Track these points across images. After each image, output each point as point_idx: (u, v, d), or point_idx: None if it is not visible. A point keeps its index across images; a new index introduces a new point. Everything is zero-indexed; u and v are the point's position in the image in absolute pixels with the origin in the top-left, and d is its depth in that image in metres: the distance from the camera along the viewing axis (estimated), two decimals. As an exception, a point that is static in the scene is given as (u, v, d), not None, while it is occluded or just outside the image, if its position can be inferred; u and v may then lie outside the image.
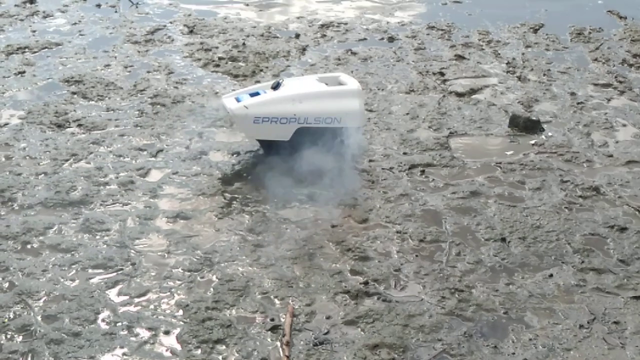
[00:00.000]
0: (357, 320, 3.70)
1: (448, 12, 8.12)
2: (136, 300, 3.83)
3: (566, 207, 4.63)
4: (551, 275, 4.04)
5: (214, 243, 4.27)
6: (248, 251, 4.20)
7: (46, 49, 6.96)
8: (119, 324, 3.66)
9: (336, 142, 4.89)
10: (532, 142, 5.41)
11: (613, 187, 4.85)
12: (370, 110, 5.77)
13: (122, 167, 5.00)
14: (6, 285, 3.91)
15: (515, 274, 4.05)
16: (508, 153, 5.28)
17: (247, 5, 8.32)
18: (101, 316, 3.71)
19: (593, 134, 5.54)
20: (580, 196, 4.75)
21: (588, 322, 3.71)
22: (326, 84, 5.03)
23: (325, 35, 7.41)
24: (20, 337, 3.57)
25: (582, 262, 4.14)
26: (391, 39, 7.33)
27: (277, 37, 7.36)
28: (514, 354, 3.53)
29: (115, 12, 8.03)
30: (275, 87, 4.96)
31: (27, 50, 6.91)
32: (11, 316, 3.69)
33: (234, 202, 4.65)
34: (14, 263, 4.07)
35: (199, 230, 4.39)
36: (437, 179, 4.93)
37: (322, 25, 7.66)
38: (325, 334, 3.62)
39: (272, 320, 3.69)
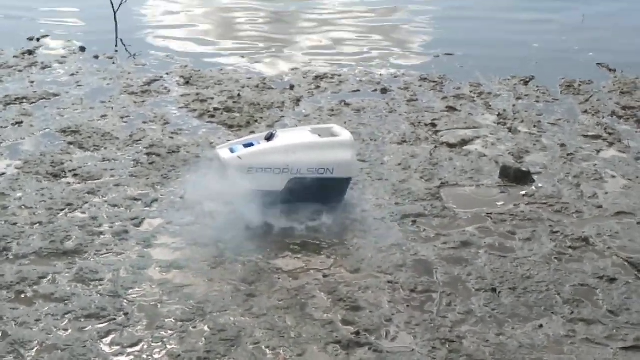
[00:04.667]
0: (348, 371, 3.72)
1: (440, 65, 8.27)
2: (128, 350, 3.84)
3: (556, 258, 4.68)
4: (541, 326, 4.06)
5: (207, 293, 4.30)
6: (240, 301, 4.23)
7: (44, 100, 7.05)
8: (111, 374, 3.68)
9: (328, 193, 4.97)
10: (523, 192, 5.48)
11: (602, 238, 4.91)
12: (363, 161, 5.85)
13: (117, 216, 5.05)
14: (-1, 334, 3.94)
15: (506, 325, 4.08)
16: (499, 204, 5.35)
17: (243, 57, 8.46)
18: (93, 366, 3.73)
19: (583, 185, 5.61)
20: (570, 247, 4.80)
21: (578, 373, 3.74)
22: (319, 135, 5.11)
23: (319, 87, 7.53)
24: (12, 387, 3.58)
25: (572, 312, 4.17)
26: (384, 91, 7.45)
27: (272, 89, 7.47)
28: (504, 405, 3.55)
29: (113, 63, 8.16)
30: (269, 138, 5.04)
31: (25, 100, 7.01)
32: (3, 366, 3.71)
33: (227, 252, 4.69)
34: (8, 312, 4.09)
35: (191, 280, 4.42)
36: (429, 229, 4.98)
37: (317, 77, 7.79)
38: (316, 384, 3.64)
39: (264, 370, 3.71)
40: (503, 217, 5.13)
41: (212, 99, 7.13)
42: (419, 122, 6.70)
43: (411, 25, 9.90)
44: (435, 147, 6.21)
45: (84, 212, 5.11)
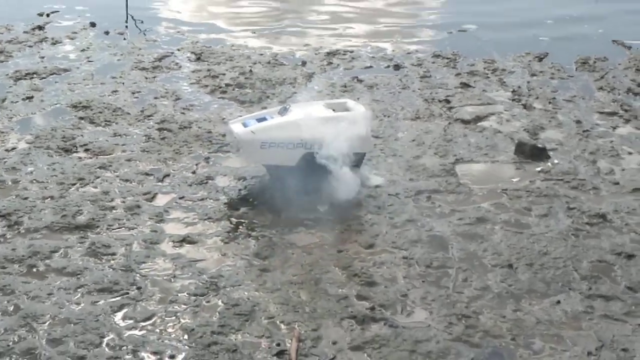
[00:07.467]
0: (364, 346, 3.68)
1: (453, 41, 8.17)
2: (141, 324, 3.82)
3: (573, 234, 4.61)
4: (558, 302, 4.01)
5: (220, 267, 4.26)
6: (254, 276, 4.19)
7: (54, 75, 7.01)
8: (124, 348, 3.64)
9: (342, 168, 4.91)
10: (538, 169, 5.41)
11: (620, 214, 4.84)
12: (377, 137, 5.78)
13: (129, 191, 5.01)
14: (11, 308, 3.90)
15: (523, 301, 4.03)
16: (514, 180, 5.28)
17: (254, 33, 8.38)
18: (106, 340, 3.69)
19: (599, 161, 5.53)
20: (587, 223, 4.74)
21: (596, 349, 3.68)
22: (333, 110, 5.05)
23: (331, 63, 7.45)
24: (25, 360, 3.56)
25: (590, 288, 4.12)
26: (397, 67, 7.36)
27: (284, 65, 7.40)
28: (521, 380, 3.51)
29: (124, 39, 8.09)
30: (282, 112, 4.98)
31: (35, 75, 6.96)
32: (16, 339, 3.67)
33: (240, 227, 4.65)
34: (20, 286, 4.06)
35: (204, 254, 4.39)
36: (444, 205, 4.92)
37: (328, 53, 7.71)
38: (332, 359, 3.60)
39: (278, 345, 3.67)
40: (519, 193, 5.06)
41: (224, 74, 7.07)
42: (433, 99, 6.62)
43: (424, 2, 9.79)
44: (450, 123, 6.13)
45: (95, 187, 5.07)
